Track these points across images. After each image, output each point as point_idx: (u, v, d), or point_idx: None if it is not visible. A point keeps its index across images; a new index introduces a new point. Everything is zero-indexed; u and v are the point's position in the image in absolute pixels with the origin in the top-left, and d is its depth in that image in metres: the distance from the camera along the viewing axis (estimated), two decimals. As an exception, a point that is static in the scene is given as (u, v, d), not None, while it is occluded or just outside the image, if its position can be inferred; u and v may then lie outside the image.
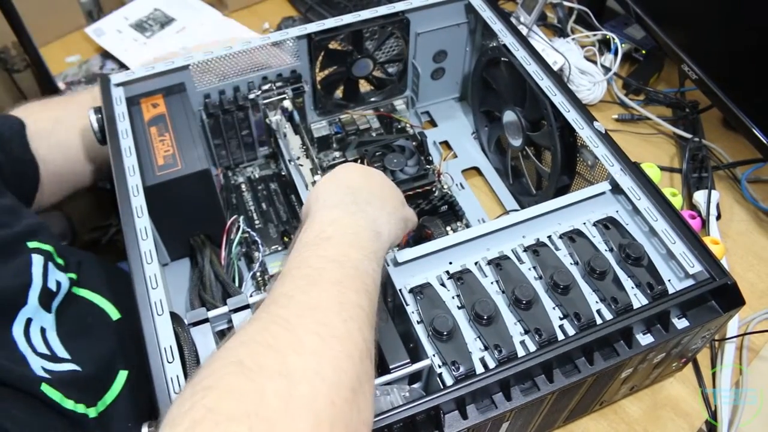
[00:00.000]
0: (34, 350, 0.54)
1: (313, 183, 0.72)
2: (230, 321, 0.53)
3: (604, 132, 0.64)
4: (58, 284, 0.61)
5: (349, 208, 0.49)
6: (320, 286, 0.41)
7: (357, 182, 0.52)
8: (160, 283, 0.52)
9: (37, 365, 0.53)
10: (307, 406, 0.34)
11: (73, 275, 0.63)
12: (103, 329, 0.63)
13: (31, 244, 0.60)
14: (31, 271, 0.57)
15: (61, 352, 0.57)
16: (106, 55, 1.07)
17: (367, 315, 0.41)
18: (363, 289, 0.42)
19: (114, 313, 0.65)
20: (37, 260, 0.59)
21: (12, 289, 0.55)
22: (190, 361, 0.50)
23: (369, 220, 0.48)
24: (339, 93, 0.85)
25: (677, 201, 0.73)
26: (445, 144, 0.91)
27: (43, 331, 0.57)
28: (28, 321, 0.55)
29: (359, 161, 0.79)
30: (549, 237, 0.59)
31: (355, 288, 0.42)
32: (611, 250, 0.58)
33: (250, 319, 0.40)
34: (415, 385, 0.52)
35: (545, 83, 0.69)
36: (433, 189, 0.79)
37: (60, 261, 0.63)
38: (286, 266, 0.44)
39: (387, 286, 0.57)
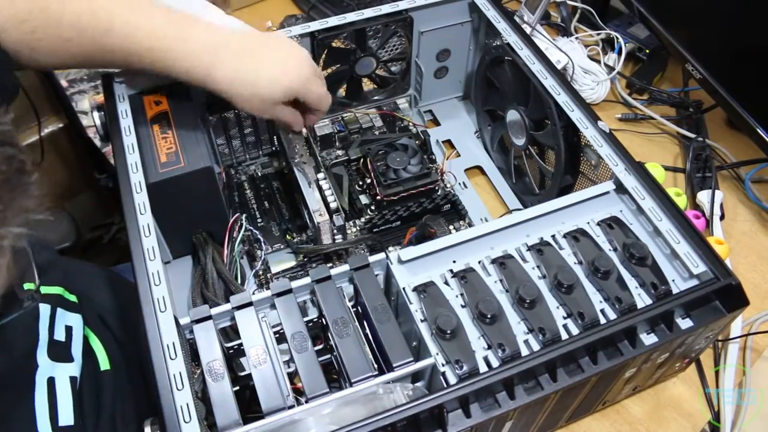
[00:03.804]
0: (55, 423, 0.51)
1: (317, 181, 0.72)
2: (233, 318, 0.53)
3: (608, 131, 0.64)
4: (69, 330, 0.58)
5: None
6: None
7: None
8: (162, 280, 0.53)
9: None
10: None
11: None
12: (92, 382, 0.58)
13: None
14: (38, 326, 0.55)
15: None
16: (108, 53, 1.07)
17: None
18: None
19: (104, 363, 0.61)
20: (44, 311, 0.56)
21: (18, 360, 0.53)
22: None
23: None
24: (342, 91, 0.85)
25: (681, 201, 0.73)
26: (448, 143, 0.90)
27: (73, 381, 0.54)
28: (51, 381, 0.53)
29: (362, 160, 0.79)
30: (553, 236, 0.59)
31: None
32: (615, 249, 0.58)
33: None
34: (419, 384, 0.52)
35: (549, 82, 0.69)
36: (436, 188, 0.79)
37: (71, 298, 0.61)
38: None
39: (390, 284, 0.57)
